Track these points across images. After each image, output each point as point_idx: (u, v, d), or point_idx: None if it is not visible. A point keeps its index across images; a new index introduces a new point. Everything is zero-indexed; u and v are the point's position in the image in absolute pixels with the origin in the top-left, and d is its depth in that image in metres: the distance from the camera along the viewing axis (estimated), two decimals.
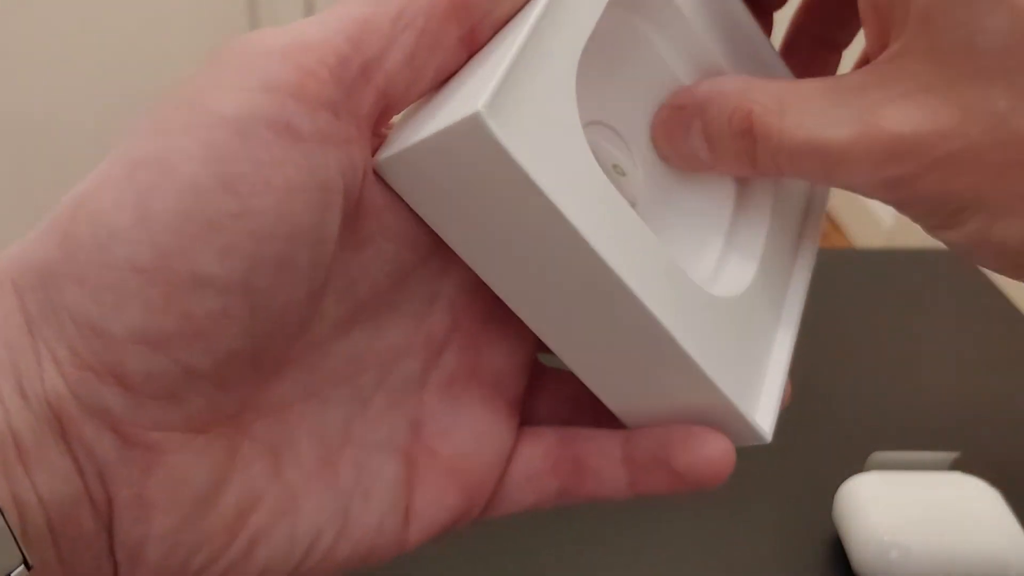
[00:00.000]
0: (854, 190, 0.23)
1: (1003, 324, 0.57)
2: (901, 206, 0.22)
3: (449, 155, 0.20)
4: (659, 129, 0.25)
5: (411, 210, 0.22)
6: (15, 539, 0.17)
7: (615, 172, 0.25)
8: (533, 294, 0.22)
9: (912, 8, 0.21)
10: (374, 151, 0.21)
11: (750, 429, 0.23)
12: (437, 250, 0.23)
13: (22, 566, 0.17)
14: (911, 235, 1.65)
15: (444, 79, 0.21)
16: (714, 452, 0.23)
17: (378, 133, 0.21)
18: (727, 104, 0.23)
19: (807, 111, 0.22)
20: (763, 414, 0.24)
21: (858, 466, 0.42)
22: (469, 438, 0.24)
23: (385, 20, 0.20)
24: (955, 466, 0.41)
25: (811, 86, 0.23)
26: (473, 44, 0.21)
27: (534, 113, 0.20)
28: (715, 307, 0.23)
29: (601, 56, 0.24)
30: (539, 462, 0.25)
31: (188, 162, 0.18)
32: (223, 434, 0.20)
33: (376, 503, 0.23)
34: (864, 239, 1.85)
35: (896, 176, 0.21)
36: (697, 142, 0.24)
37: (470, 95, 0.19)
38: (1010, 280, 0.67)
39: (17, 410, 0.18)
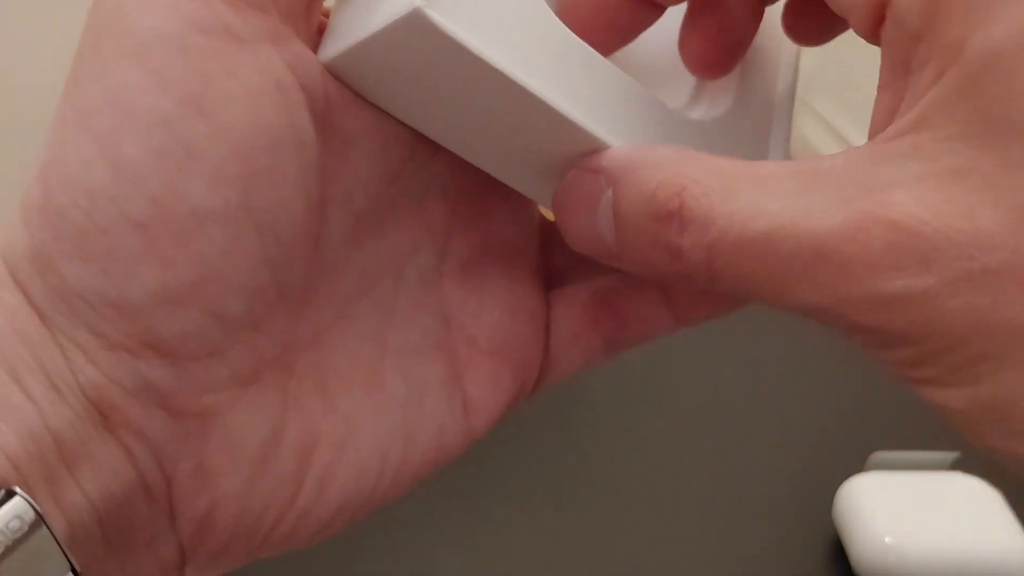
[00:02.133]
0: (823, 315, 0.16)
1: None
2: (889, 341, 0.16)
3: (396, 50, 0.19)
4: (560, 195, 0.20)
5: None
6: (62, 550, 0.16)
7: None
8: (521, 166, 0.21)
9: (955, 56, 0.15)
10: (317, 41, 0.20)
11: None
12: (421, 139, 0.21)
13: (70, 574, 0.16)
14: None
15: None
16: None
17: (315, 22, 0.20)
18: (652, 176, 0.18)
19: (771, 194, 0.16)
20: None
21: (858, 466, 0.42)
22: (502, 315, 0.23)
23: None
24: (955, 466, 0.41)
25: (777, 167, 0.17)
26: None
27: None
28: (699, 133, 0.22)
29: None
30: (579, 321, 0.24)
31: (141, 94, 0.17)
32: (271, 380, 0.19)
33: (432, 406, 0.22)
34: None
35: (899, 291, 0.15)
36: (604, 221, 0.19)
37: None
38: None
39: (53, 408, 0.17)
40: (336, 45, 0.19)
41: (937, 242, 0.14)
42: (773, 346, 0.53)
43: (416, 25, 0.18)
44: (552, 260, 0.25)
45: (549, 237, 0.25)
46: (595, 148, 0.20)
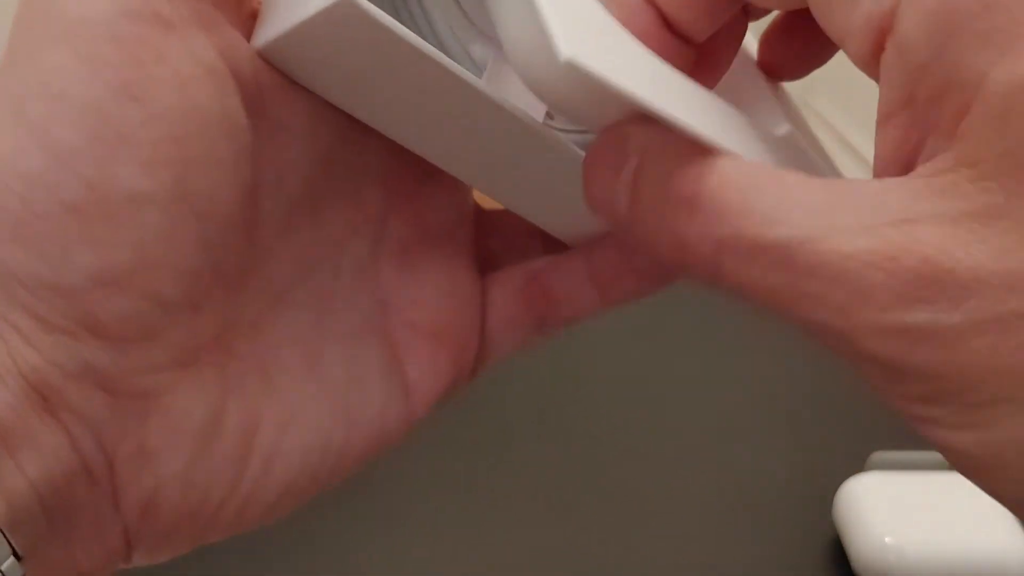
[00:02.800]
0: (830, 337, 0.16)
1: None
2: (900, 375, 0.15)
3: (329, 36, 0.19)
4: (591, 152, 0.20)
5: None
6: (3, 534, 0.16)
7: None
8: (452, 147, 0.22)
9: (975, 90, 0.15)
10: (248, 27, 0.20)
11: None
12: (353, 124, 0.21)
13: (12, 558, 0.16)
14: None
15: None
16: None
17: (246, 8, 0.20)
18: (678, 154, 0.17)
19: (794, 203, 0.16)
20: None
21: (858, 466, 0.42)
22: (439, 299, 0.23)
23: None
24: None
25: (806, 177, 0.16)
26: None
27: None
28: None
29: None
30: (512, 302, 0.24)
31: (74, 80, 0.17)
32: (210, 362, 0.20)
33: (373, 389, 0.22)
34: None
35: (922, 324, 0.14)
36: (623, 188, 0.19)
37: None
38: None
39: None
40: (269, 31, 0.20)
41: (968, 282, 0.14)
42: (773, 346, 0.53)
43: (346, 11, 0.18)
44: (486, 245, 0.25)
45: (483, 222, 0.25)
46: (519, 126, 0.21)
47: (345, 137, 0.22)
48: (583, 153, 0.21)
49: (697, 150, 0.18)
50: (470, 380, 0.24)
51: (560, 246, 0.25)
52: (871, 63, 0.17)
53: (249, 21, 0.20)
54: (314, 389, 0.22)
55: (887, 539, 0.37)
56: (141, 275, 0.18)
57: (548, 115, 0.23)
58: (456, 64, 0.20)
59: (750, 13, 0.22)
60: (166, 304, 0.18)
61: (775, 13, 0.22)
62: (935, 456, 0.42)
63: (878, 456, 0.42)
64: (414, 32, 0.20)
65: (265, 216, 0.21)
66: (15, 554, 0.17)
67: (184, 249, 0.18)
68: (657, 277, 0.23)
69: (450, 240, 0.24)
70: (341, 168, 0.22)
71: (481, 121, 0.21)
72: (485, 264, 0.25)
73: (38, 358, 0.17)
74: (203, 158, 0.18)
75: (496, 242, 0.25)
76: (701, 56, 0.22)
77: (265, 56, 0.20)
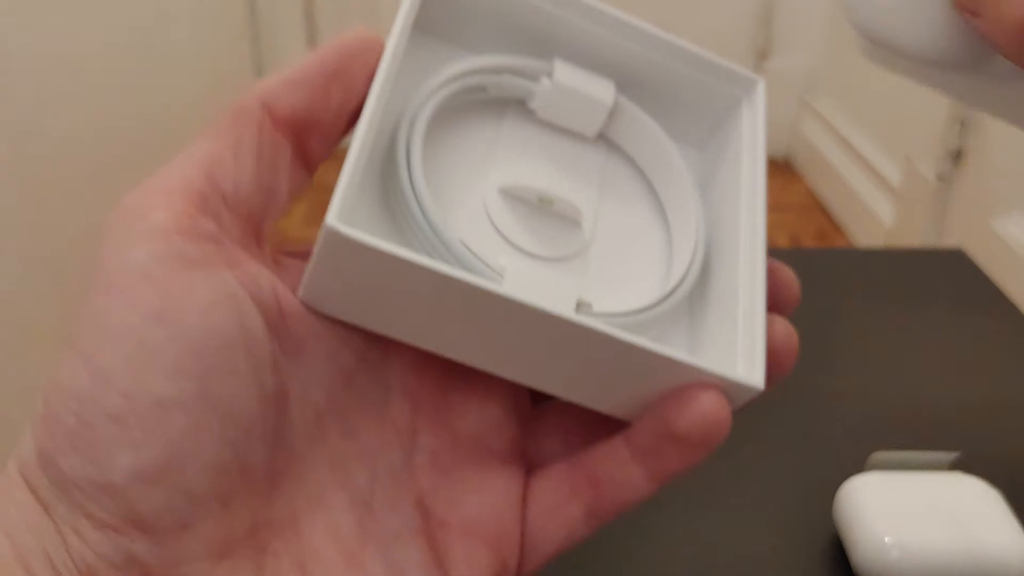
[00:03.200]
0: None
1: (1003, 323, 0.57)
2: None
3: (340, 270, 0.22)
4: None
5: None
6: None
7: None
8: (486, 348, 0.23)
9: None
10: (271, 266, 0.24)
11: (739, 386, 0.23)
12: (370, 344, 0.24)
13: None
14: (911, 235, 1.65)
15: (295, 189, 0.24)
16: (706, 406, 0.23)
17: (261, 247, 0.24)
18: None
19: None
20: (746, 367, 0.24)
21: (858, 466, 0.42)
22: (476, 500, 0.25)
23: (228, 153, 0.23)
24: (955, 466, 0.41)
25: None
26: (308, 157, 0.24)
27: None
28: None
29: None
30: (555, 493, 0.25)
31: (115, 313, 0.20)
32: (246, 556, 0.22)
33: None
34: (864, 239, 1.85)
35: None
36: None
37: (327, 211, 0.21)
38: (1010, 279, 0.66)
39: None
40: (303, 281, 0.23)
41: None
42: None
43: (335, 242, 0.21)
44: (538, 446, 0.26)
45: (534, 424, 0.27)
46: (555, 322, 0.22)
47: (366, 357, 0.24)
48: (625, 336, 0.22)
49: None
50: None
51: (614, 430, 0.25)
52: None
53: (272, 263, 0.24)
54: None
55: (887, 539, 0.37)
56: (172, 471, 0.20)
57: (580, 304, 0.24)
58: (471, 274, 0.21)
59: None
60: (196, 498, 0.21)
61: None
62: (935, 456, 0.42)
63: (878, 456, 0.42)
64: (427, 247, 0.22)
65: (295, 423, 0.23)
66: None
67: (209, 447, 0.21)
68: (696, 442, 0.23)
69: (483, 444, 0.25)
70: (365, 385, 0.24)
71: (512, 322, 0.22)
72: (538, 458, 0.26)
73: (91, 554, 0.20)
74: (221, 369, 0.21)
75: (554, 436, 0.27)
76: None
77: (309, 304, 0.23)
